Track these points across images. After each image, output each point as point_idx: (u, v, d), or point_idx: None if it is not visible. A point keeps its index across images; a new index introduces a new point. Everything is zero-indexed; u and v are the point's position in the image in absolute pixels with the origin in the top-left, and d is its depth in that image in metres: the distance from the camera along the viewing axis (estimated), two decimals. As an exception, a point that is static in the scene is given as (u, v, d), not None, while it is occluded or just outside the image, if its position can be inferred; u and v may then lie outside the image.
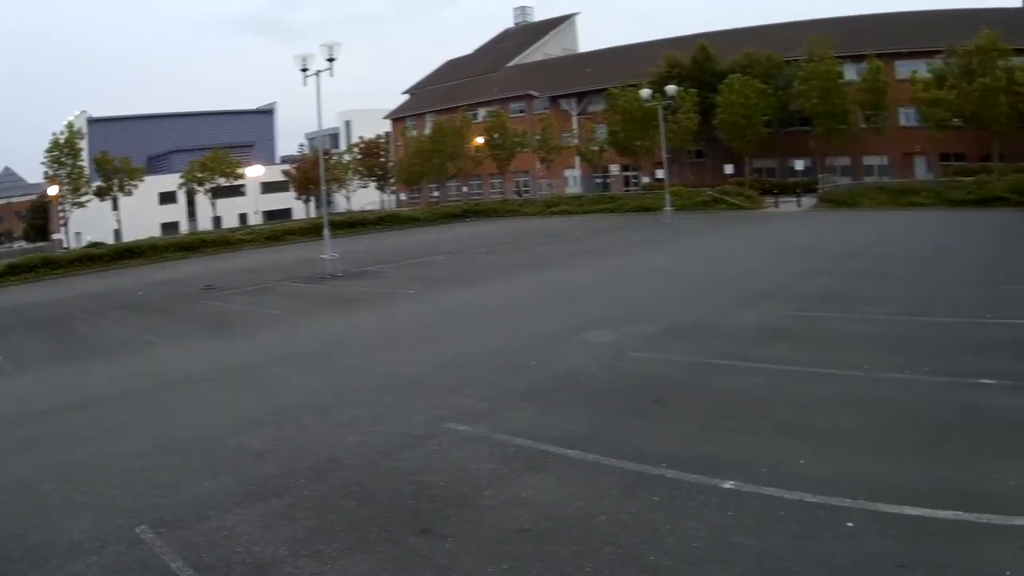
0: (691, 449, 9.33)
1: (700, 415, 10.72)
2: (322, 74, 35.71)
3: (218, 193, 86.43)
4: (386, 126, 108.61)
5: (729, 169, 67.38)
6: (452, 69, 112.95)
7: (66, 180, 71.89)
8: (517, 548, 7.20)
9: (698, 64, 70.22)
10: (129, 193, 77.75)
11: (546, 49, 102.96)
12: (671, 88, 56.15)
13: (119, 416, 13.89)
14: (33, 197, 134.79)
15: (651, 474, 8.58)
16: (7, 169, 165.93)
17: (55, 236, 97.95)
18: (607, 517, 7.68)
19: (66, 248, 70.50)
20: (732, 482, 8.16)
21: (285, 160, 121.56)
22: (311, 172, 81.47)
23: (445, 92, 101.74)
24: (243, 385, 15.35)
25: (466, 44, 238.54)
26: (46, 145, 71.34)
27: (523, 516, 7.86)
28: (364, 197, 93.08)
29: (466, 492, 8.58)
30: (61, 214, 79.95)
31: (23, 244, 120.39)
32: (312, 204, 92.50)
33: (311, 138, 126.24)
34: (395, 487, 8.89)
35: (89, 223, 78.32)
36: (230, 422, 12.42)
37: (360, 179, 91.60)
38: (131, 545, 7.94)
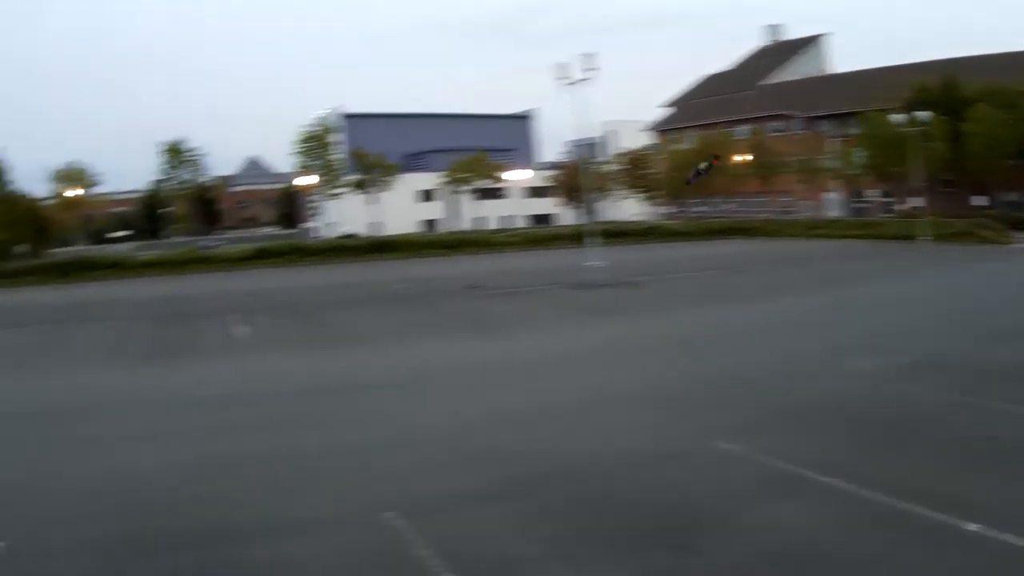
0: (940, 486, 9.15)
1: (952, 453, 10.49)
2: (581, 84, 35.99)
3: (481, 195, 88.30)
4: (646, 137, 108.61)
5: (980, 200, 64.16)
6: (712, 84, 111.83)
7: (320, 172, 74.89)
8: (768, 574, 7.25)
9: (945, 91, 66.92)
10: (385, 188, 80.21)
11: (797, 68, 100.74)
12: (923, 114, 54.35)
13: (369, 404, 14.56)
14: (279, 186, 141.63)
15: (900, 508, 8.48)
16: (254, 158, 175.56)
17: (304, 225, 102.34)
18: (856, 549, 7.68)
19: (317, 237, 73.34)
20: (976, 525, 7.94)
21: (545, 166, 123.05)
22: (575, 179, 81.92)
23: (706, 107, 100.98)
24: (500, 383, 15.83)
25: (709, 59, 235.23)
26: (293, 138, 74.66)
27: (776, 541, 7.92)
28: (628, 208, 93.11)
29: (724, 511, 8.68)
30: (311, 204, 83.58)
31: (272, 230, 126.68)
32: (575, 211, 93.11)
33: (574, 145, 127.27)
34: (652, 498, 9.06)
35: (343, 215, 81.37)
36: (485, 419, 12.84)
37: (624, 189, 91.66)
38: (374, 529, 8.36)
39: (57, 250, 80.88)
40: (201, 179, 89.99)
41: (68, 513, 9.46)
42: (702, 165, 61.63)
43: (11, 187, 70.84)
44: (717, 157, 66.08)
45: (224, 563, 7.79)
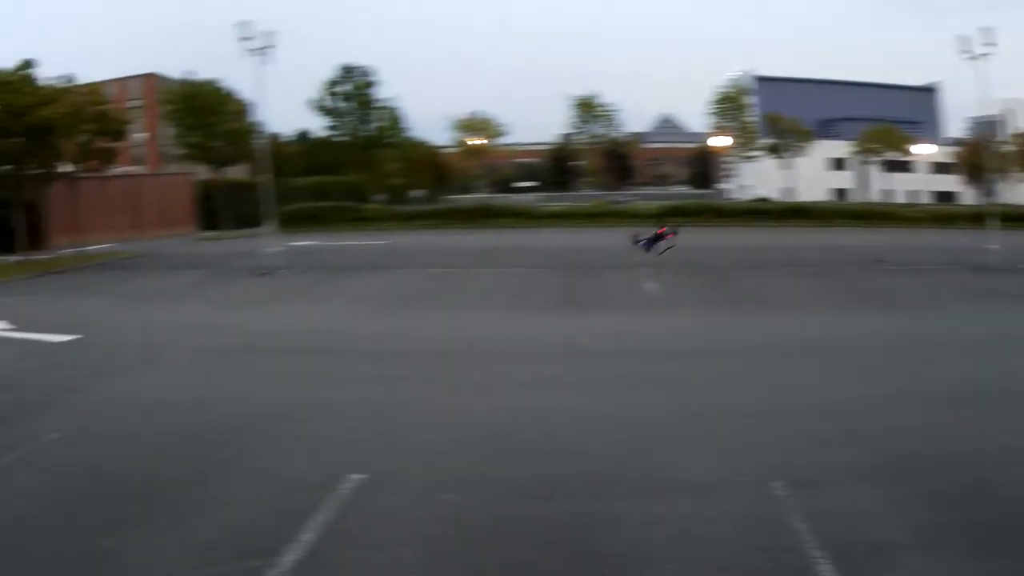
0: None
1: None
2: (982, 58, 34.81)
3: (889, 167, 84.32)
4: None
5: None
6: None
7: (735, 134, 73.97)
8: None
9: None
10: (798, 154, 78.19)
11: None
12: None
13: (766, 369, 14.34)
14: (695, 146, 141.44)
15: None
16: (666, 116, 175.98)
17: (718, 186, 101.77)
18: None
19: (730, 199, 72.72)
20: None
21: (948, 142, 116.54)
22: (975, 158, 76.51)
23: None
24: (896, 361, 14.99)
25: None
26: (708, 97, 74.06)
27: None
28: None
29: None
30: (725, 166, 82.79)
31: (685, 189, 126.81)
32: (975, 190, 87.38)
33: (974, 122, 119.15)
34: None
35: (757, 178, 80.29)
36: (875, 396, 12.28)
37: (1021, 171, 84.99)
38: (760, 498, 8.20)
39: (458, 197, 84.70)
40: (613, 134, 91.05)
41: (440, 451, 9.87)
42: None
43: (409, 134, 74.54)
44: None
45: (600, 516, 7.81)
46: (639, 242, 19.68)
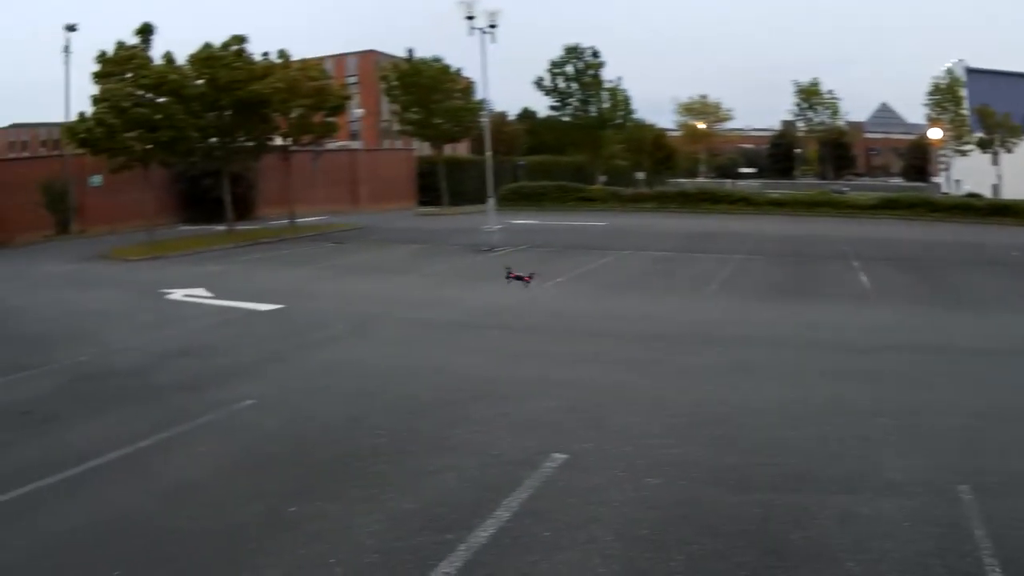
0: None
1: None
2: None
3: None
4: None
5: None
6: None
7: (948, 126, 71.83)
8: None
9: None
10: (1009, 150, 75.29)
11: None
12: None
13: (973, 370, 13.89)
14: (911, 137, 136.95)
15: None
16: (884, 104, 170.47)
17: (934, 179, 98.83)
18: None
19: (945, 193, 70.81)
20: None
21: None
22: None
23: None
24: None
25: None
26: (926, 87, 71.88)
27: None
28: None
29: None
30: (941, 159, 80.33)
31: (900, 181, 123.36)
32: None
33: None
34: None
35: (968, 173, 77.51)
36: None
37: None
38: (945, 501, 8.05)
39: (679, 180, 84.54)
40: (835, 122, 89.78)
41: (647, 434, 9.96)
42: None
43: (634, 116, 74.10)
44: None
45: (793, 510, 7.81)
46: (508, 277, 19.95)
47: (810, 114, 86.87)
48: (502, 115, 67.93)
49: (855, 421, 10.57)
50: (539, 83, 67.03)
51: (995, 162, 74.04)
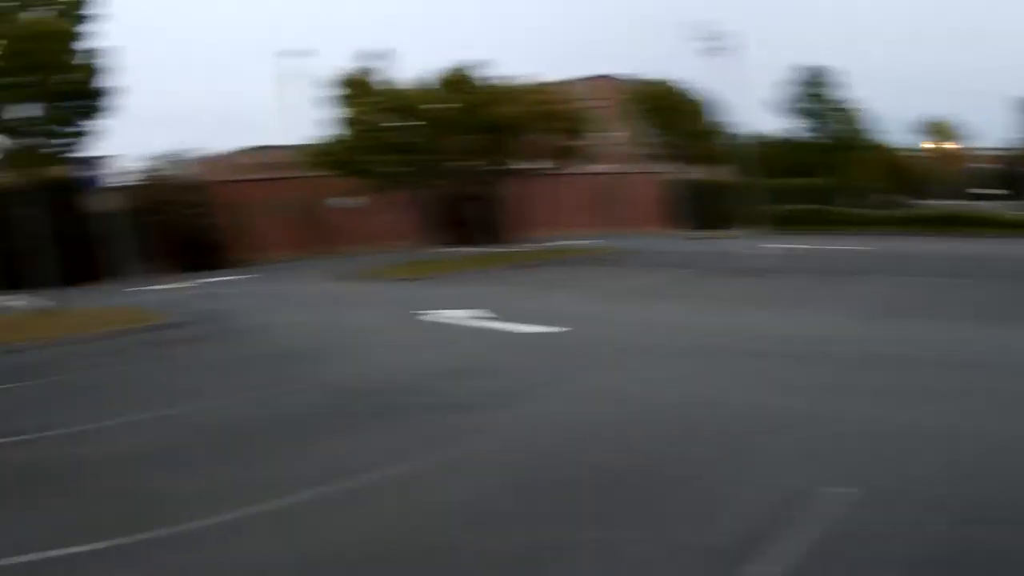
0: None
1: None
2: None
3: None
4: None
5: None
6: None
7: None
8: None
9: None
10: None
11: None
12: None
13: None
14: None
15: None
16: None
17: None
18: None
19: None
20: None
21: None
22: None
23: None
24: None
25: None
26: None
27: None
28: None
29: None
30: None
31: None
32: None
33: None
34: None
35: None
36: None
37: None
38: None
39: (920, 202, 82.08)
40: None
41: (933, 470, 9.45)
42: None
43: (876, 136, 72.97)
44: None
45: None
46: None
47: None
48: (760, 137, 67.15)
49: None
50: (777, 104, 67.09)
51: None
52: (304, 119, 70.59)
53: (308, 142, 43.11)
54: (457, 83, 39.41)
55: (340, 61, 46.84)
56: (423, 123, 37.76)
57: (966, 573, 7.07)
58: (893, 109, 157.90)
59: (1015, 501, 8.48)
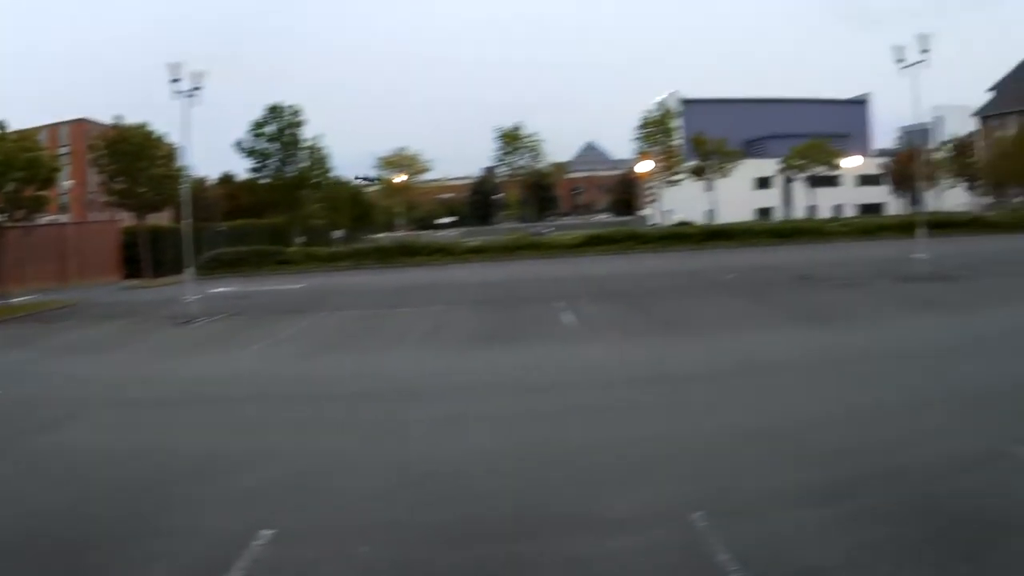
0: None
1: None
2: (916, 66, 36.25)
3: (815, 182, 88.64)
4: (973, 123, 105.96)
5: None
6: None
7: (659, 158, 76.36)
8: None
9: None
10: (725, 175, 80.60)
11: None
12: None
13: (691, 396, 14.52)
14: (618, 172, 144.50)
15: None
16: (590, 143, 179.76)
17: (642, 212, 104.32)
18: None
19: (653, 224, 75.01)
20: None
21: (876, 153, 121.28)
22: (907, 167, 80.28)
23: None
24: (824, 380, 15.37)
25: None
26: (634, 123, 76.81)
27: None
28: (953, 197, 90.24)
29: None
30: (649, 191, 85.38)
31: (606, 217, 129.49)
32: (904, 200, 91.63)
33: (905, 132, 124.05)
34: (955, 508, 8.56)
35: (680, 202, 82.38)
36: (808, 416, 12.54)
37: (951, 178, 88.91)
38: (680, 531, 8.26)
39: (378, 235, 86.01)
40: (537, 165, 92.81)
41: (356, 499, 9.87)
42: None
43: (333, 173, 76.51)
44: None
45: (516, 559, 7.85)
46: None
47: (512, 158, 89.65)
48: (202, 180, 67.83)
49: (574, 461, 10.70)
50: (239, 144, 68.00)
51: (709, 188, 79.14)
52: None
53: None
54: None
55: None
56: None
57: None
58: (360, 144, 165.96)
59: (435, 518, 8.92)
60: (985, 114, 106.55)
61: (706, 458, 10.64)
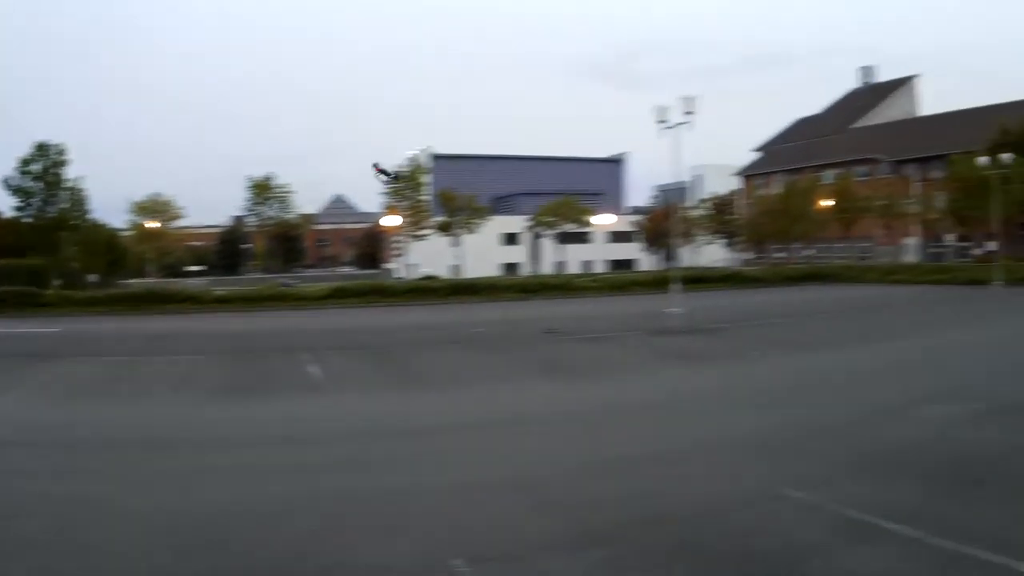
0: (1002, 532, 9.39)
1: (1015, 498, 10.81)
2: (678, 128, 37.79)
3: (564, 239, 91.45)
4: (735, 182, 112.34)
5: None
6: (802, 128, 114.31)
7: (407, 212, 77.61)
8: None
9: (1025, 133, 68.04)
10: (472, 231, 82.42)
11: (887, 112, 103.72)
12: (1006, 156, 57.50)
13: (444, 447, 14.82)
14: (365, 225, 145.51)
15: (963, 553, 8.73)
16: (339, 196, 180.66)
17: (387, 265, 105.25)
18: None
19: (398, 278, 75.85)
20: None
21: (630, 211, 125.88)
22: (661, 224, 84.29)
23: (795, 152, 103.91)
24: (577, 431, 15.89)
25: (810, 101, 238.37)
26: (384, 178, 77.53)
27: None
28: (710, 253, 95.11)
29: (792, 560, 8.81)
30: (396, 245, 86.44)
31: (350, 270, 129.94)
32: (657, 256, 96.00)
33: (662, 190, 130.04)
34: (724, 548, 9.14)
35: (426, 256, 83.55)
36: (562, 466, 12.95)
37: (709, 235, 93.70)
38: None
39: (131, 281, 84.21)
40: (286, 215, 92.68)
41: (113, 552, 9.50)
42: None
43: (89, 216, 74.73)
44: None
45: None
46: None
47: (262, 208, 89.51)
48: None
49: (327, 514, 10.64)
50: (6, 182, 66.53)
51: (456, 243, 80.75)
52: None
53: None
54: None
55: None
56: None
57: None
58: (118, 189, 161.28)
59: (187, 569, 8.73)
60: (748, 173, 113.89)
61: (463, 506, 10.89)
